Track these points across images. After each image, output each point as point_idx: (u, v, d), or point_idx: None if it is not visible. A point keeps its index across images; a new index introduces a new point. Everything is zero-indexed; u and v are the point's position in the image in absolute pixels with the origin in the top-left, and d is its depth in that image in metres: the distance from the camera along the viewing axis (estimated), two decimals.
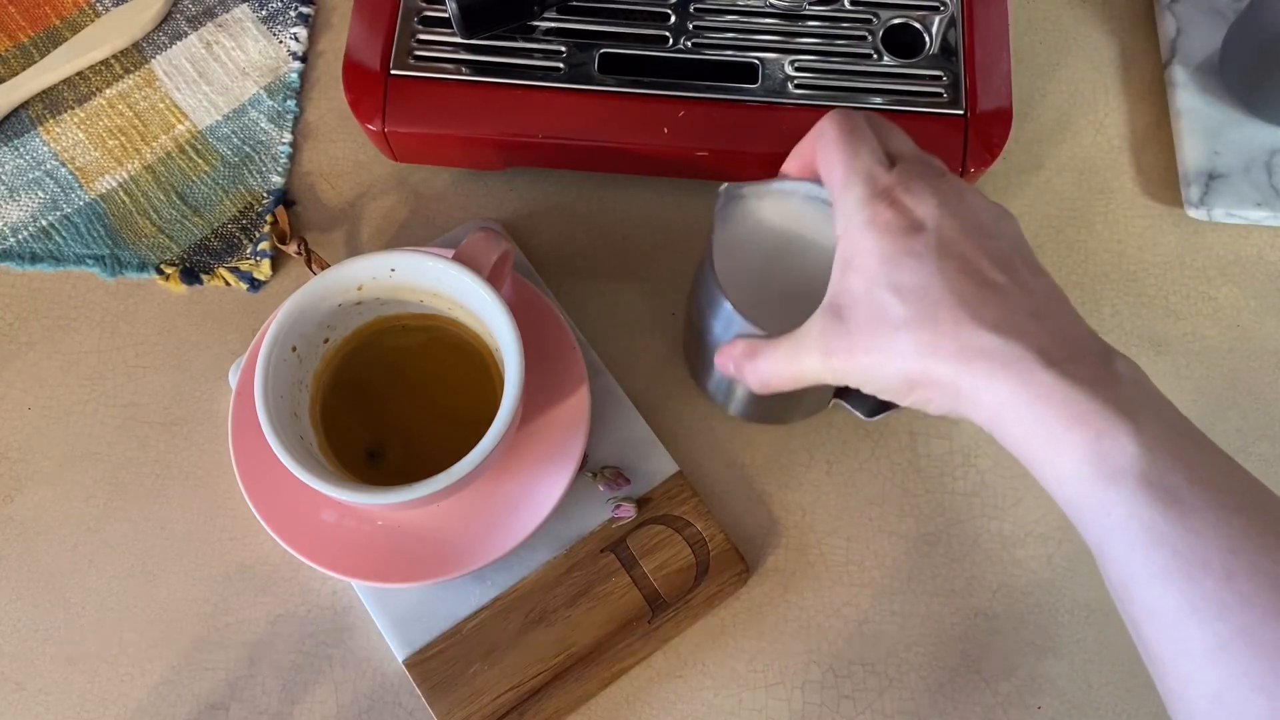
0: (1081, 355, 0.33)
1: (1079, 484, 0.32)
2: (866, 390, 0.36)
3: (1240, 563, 0.29)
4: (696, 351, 0.49)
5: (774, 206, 0.44)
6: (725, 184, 0.43)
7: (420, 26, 0.51)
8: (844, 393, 0.49)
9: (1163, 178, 0.56)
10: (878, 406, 0.48)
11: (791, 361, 0.38)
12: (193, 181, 0.55)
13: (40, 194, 0.54)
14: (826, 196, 0.44)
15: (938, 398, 0.34)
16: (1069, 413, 0.32)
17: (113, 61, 0.57)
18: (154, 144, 0.56)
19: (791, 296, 0.44)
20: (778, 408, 0.50)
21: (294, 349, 0.43)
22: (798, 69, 0.51)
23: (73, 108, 0.56)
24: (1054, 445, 0.32)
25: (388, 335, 0.47)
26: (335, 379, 0.47)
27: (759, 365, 0.39)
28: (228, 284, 0.53)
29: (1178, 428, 0.32)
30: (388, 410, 0.47)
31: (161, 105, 0.56)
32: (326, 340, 0.46)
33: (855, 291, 0.35)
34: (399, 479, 0.41)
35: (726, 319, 0.42)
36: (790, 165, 0.41)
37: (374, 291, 0.45)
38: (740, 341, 0.40)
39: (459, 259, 0.43)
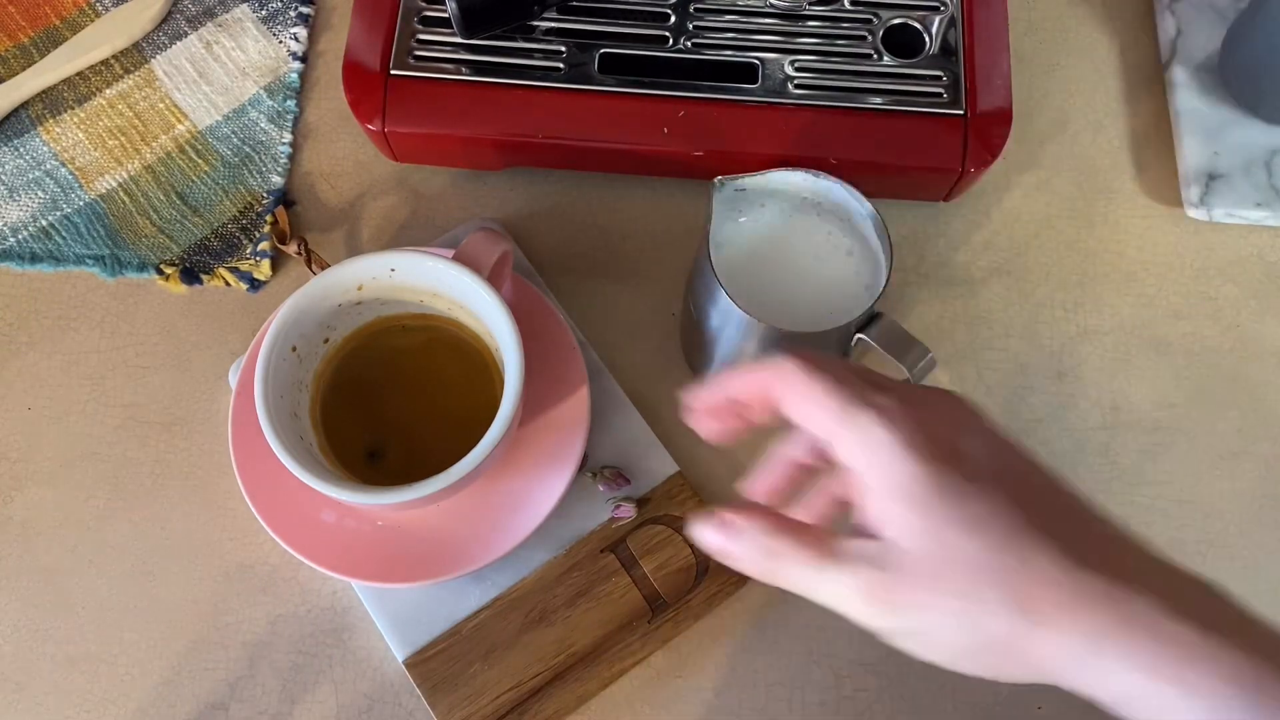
0: (1181, 586, 0.28)
1: None
2: (921, 655, 0.30)
3: None
4: (695, 345, 0.49)
5: (769, 198, 0.44)
6: (720, 176, 0.43)
7: (420, 26, 0.51)
8: None
9: (1163, 178, 0.56)
10: None
11: (820, 584, 0.30)
12: (193, 181, 0.55)
13: (40, 194, 0.54)
14: (822, 186, 0.44)
15: (1020, 670, 0.28)
16: (1219, 670, 0.26)
17: (113, 61, 0.57)
18: (154, 144, 0.56)
19: (788, 286, 0.44)
20: None
21: (294, 349, 0.44)
22: (798, 69, 0.51)
23: (73, 108, 0.56)
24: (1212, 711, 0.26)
25: (388, 335, 0.47)
26: (335, 379, 0.47)
27: (782, 567, 0.31)
28: (228, 284, 0.53)
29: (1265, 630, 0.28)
30: (388, 410, 0.47)
31: (161, 105, 0.56)
32: (326, 340, 0.46)
33: (908, 524, 0.28)
34: (399, 479, 0.41)
35: (724, 310, 0.42)
36: (736, 386, 0.33)
37: (374, 291, 0.45)
38: (756, 519, 0.31)
39: (459, 259, 0.43)
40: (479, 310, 0.44)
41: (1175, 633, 0.26)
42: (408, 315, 0.47)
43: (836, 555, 0.30)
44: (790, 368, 0.31)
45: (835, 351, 0.46)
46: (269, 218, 0.54)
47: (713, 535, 0.31)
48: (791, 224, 0.44)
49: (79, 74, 0.57)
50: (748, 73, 0.51)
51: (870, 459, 0.29)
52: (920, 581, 0.28)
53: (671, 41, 0.51)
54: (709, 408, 0.34)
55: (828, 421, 0.30)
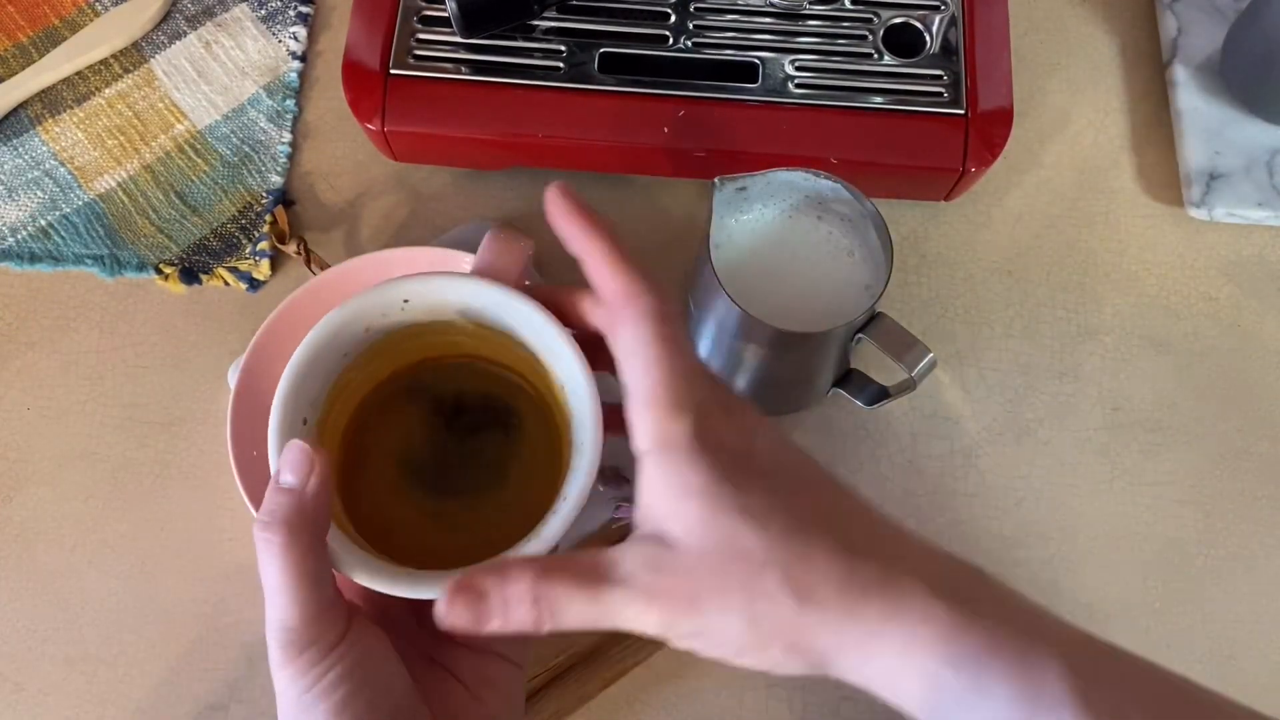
0: (949, 572, 0.29)
1: None
2: (705, 653, 0.29)
3: None
4: (695, 345, 0.49)
5: (769, 198, 0.44)
6: (720, 176, 0.43)
7: (420, 26, 0.51)
8: (843, 380, 0.49)
9: (1163, 177, 0.56)
10: (878, 394, 0.48)
11: (594, 604, 0.29)
12: (192, 181, 0.55)
13: (39, 194, 0.54)
14: (823, 186, 0.43)
15: (800, 662, 0.28)
16: (984, 648, 0.27)
17: (112, 61, 0.57)
18: (153, 144, 0.56)
19: (788, 286, 0.44)
20: (769, 398, 0.50)
21: (305, 421, 0.35)
22: (798, 68, 0.51)
23: (72, 107, 0.56)
24: (977, 692, 0.27)
25: (412, 389, 0.39)
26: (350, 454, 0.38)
27: (556, 606, 0.29)
28: (227, 284, 0.53)
29: (1073, 635, 0.29)
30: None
31: (161, 105, 0.56)
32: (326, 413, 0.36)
33: (688, 517, 0.28)
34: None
35: (724, 310, 0.42)
36: (596, 317, 0.33)
37: (384, 329, 0.36)
38: (520, 566, 0.29)
39: (481, 271, 0.35)
40: (535, 346, 0.35)
41: (937, 612, 0.27)
42: (436, 355, 0.38)
43: (612, 577, 0.29)
44: (653, 315, 0.30)
45: (836, 352, 0.46)
46: (268, 217, 0.54)
47: (461, 612, 0.29)
48: (791, 224, 0.44)
49: (78, 74, 0.57)
50: (748, 72, 0.51)
51: (652, 439, 0.29)
52: (703, 579, 0.28)
53: (672, 41, 0.51)
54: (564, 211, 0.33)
55: (642, 385, 0.29)
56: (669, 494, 0.29)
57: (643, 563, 0.29)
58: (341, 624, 0.31)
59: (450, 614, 0.29)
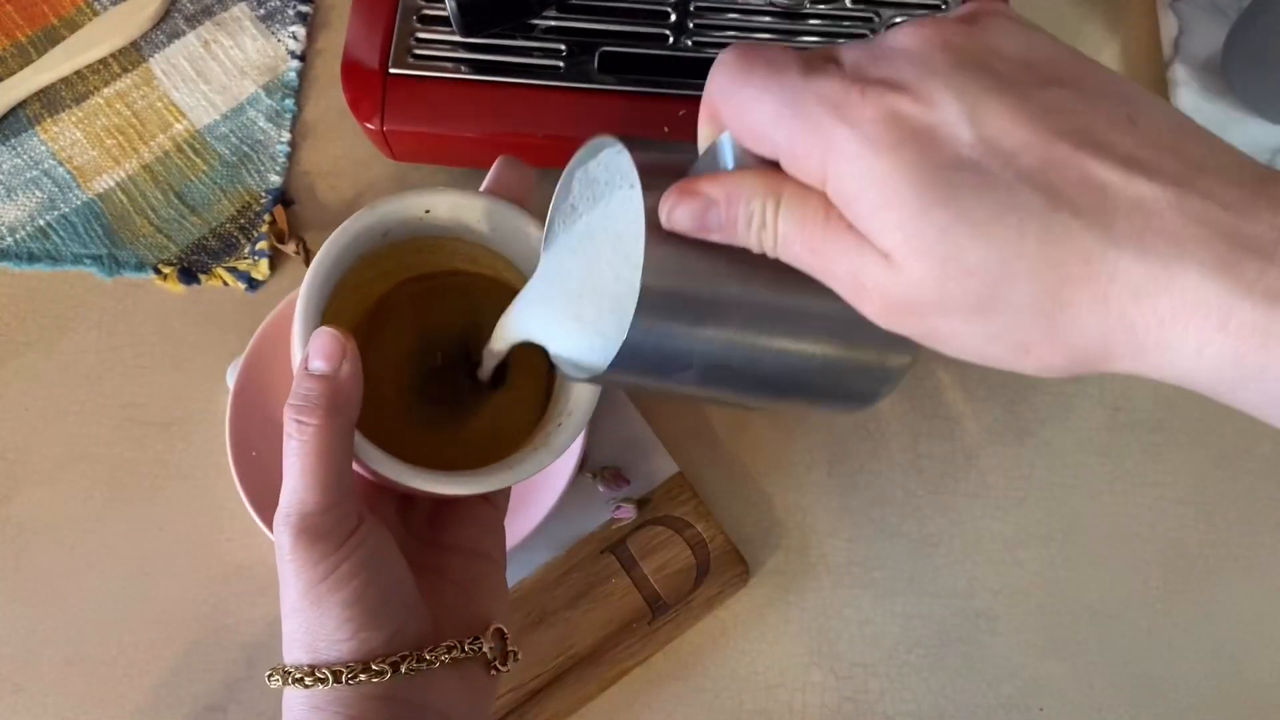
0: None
1: None
2: (951, 349, 0.24)
3: None
4: None
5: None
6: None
7: (419, 25, 0.51)
8: None
9: None
10: None
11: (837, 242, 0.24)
12: (191, 181, 0.55)
13: (38, 193, 0.54)
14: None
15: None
16: None
17: (110, 60, 0.57)
18: (152, 143, 0.55)
19: None
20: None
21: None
22: None
23: (70, 107, 0.56)
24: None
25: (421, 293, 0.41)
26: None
27: (780, 227, 0.25)
28: (226, 284, 0.53)
29: None
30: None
31: (159, 104, 0.56)
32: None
33: (904, 238, 0.23)
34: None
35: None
36: (704, 131, 0.28)
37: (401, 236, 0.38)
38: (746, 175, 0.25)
39: (492, 190, 0.37)
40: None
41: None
42: (446, 269, 0.40)
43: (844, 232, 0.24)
44: (718, 70, 0.25)
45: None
46: (267, 217, 0.54)
47: (681, 212, 0.26)
48: None
49: (77, 73, 0.57)
50: None
51: (833, 169, 0.23)
52: (926, 304, 0.23)
53: (672, 40, 0.51)
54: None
55: (770, 128, 0.24)
56: (870, 209, 0.23)
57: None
58: (355, 517, 0.32)
59: (671, 213, 0.26)
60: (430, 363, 0.40)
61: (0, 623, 0.47)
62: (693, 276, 0.27)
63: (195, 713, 0.46)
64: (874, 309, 0.24)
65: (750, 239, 0.25)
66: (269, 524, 0.45)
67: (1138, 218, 0.22)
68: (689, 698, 0.47)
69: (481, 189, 0.37)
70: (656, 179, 0.27)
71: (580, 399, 0.36)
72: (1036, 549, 0.50)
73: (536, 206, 0.37)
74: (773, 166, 0.25)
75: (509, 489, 0.40)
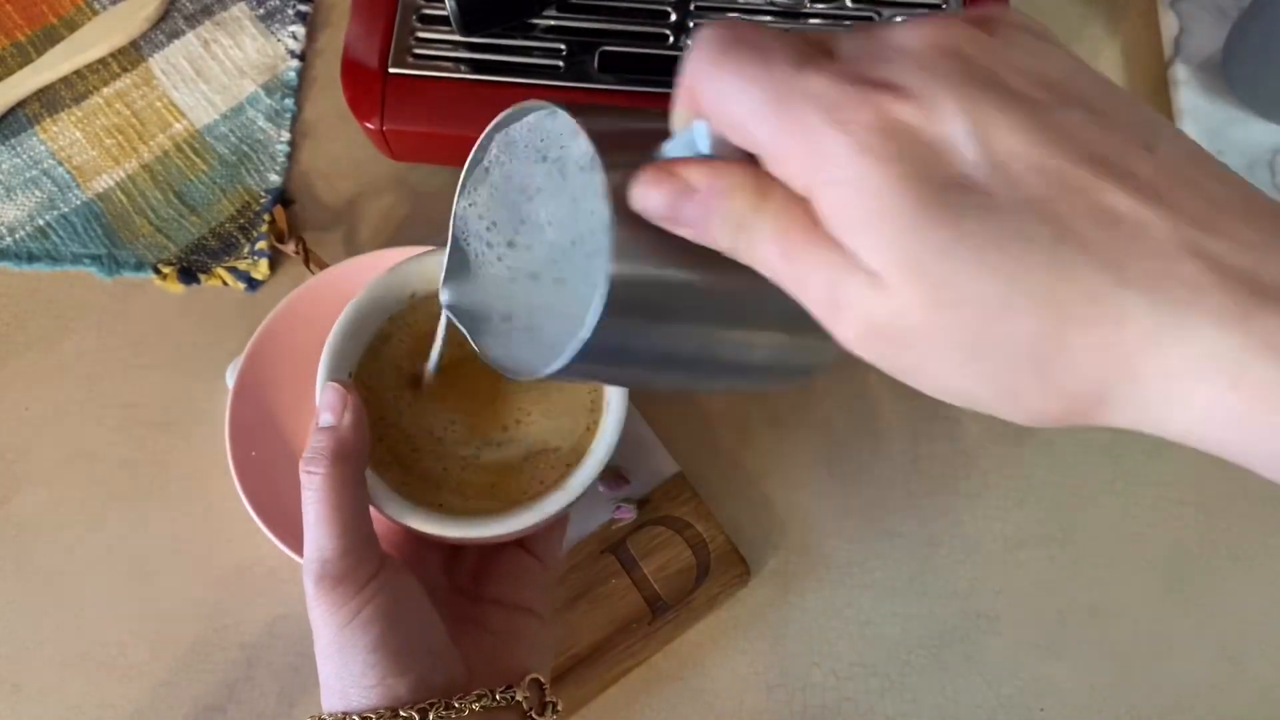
0: None
1: None
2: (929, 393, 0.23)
3: None
4: None
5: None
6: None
7: (419, 24, 0.51)
8: None
9: None
10: None
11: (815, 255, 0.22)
12: (190, 181, 0.55)
13: (37, 193, 0.54)
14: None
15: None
16: None
17: (110, 60, 0.57)
18: (151, 143, 0.55)
19: None
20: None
21: (349, 375, 0.37)
22: None
23: (70, 106, 0.56)
24: None
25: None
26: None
27: (776, 241, 0.22)
28: (225, 284, 0.53)
29: None
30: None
31: (159, 104, 0.56)
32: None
33: (893, 260, 0.21)
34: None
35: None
36: (680, 113, 0.26)
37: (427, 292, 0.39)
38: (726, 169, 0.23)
39: None
40: None
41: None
42: None
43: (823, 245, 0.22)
44: (698, 50, 0.23)
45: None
46: (267, 217, 0.54)
47: (656, 196, 0.23)
48: None
49: (76, 73, 0.57)
50: None
51: (822, 175, 0.21)
52: (911, 332, 0.21)
53: (672, 40, 0.51)
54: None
55: (751, 123, 0.22)
56: (853, 225, 0.21)
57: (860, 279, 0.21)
58: (375, 562, 0.33)
59: (644, 196, 0.24)
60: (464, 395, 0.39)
61: (0, 623, 0.47)
62: (656, 268, 0.24)
63: (195, 713, 0.46)
64: (850, 331, 0.22)
65: (722, 238, 0.23)
66: (268, 524, 0.45)
67: (1153, 259, 0.20)
68: (689, 698, 0.47)
69: None
70: (617, 155, 0.24)
71: (602, 441, 0.37)
72: (1036, 549, 0.50)
73: None
74: (754, 159, 0.23)
75: (558, 545, 0.41)
